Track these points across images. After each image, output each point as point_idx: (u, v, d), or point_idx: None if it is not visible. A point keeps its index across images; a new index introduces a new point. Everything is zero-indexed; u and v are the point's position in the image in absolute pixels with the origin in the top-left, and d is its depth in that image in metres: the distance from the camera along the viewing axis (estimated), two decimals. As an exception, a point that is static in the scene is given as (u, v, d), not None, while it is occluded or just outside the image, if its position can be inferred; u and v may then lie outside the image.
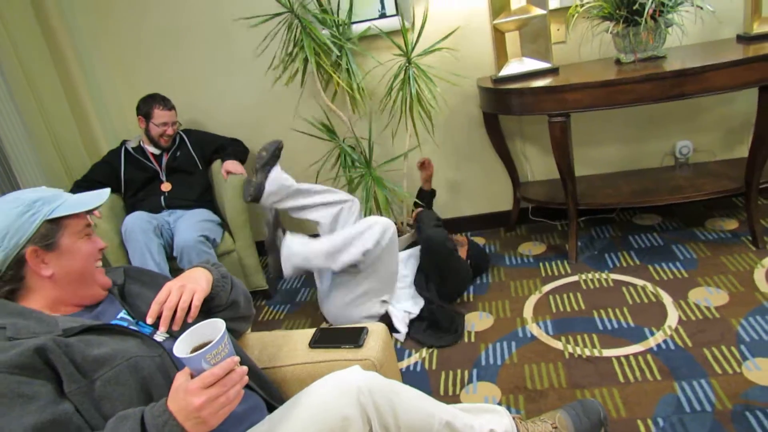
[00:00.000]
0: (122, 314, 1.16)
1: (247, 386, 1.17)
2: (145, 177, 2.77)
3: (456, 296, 2.50)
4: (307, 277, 3.07)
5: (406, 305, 2.38)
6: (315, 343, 1.30)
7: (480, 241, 3.06)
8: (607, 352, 1.97)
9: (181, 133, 2.88)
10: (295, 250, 2.22)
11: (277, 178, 2.31)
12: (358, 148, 2.81)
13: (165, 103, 2.76)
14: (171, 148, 2.82)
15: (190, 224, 2.54)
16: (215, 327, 0.96)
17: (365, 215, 2.56)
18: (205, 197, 2.85)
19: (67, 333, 1.00)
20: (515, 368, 1.99)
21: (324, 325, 1.18)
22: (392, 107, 2.78)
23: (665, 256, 2.51)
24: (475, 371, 2.02)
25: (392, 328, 2.32)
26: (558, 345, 2.07)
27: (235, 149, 2.90)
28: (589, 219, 3.01)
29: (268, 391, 1.22)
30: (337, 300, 2.32)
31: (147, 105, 2.76)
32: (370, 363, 1.21)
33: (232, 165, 2.77)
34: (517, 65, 2.69)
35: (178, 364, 1.06)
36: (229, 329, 1.15)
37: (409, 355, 2.20)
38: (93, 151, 3.02)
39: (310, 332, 1.35)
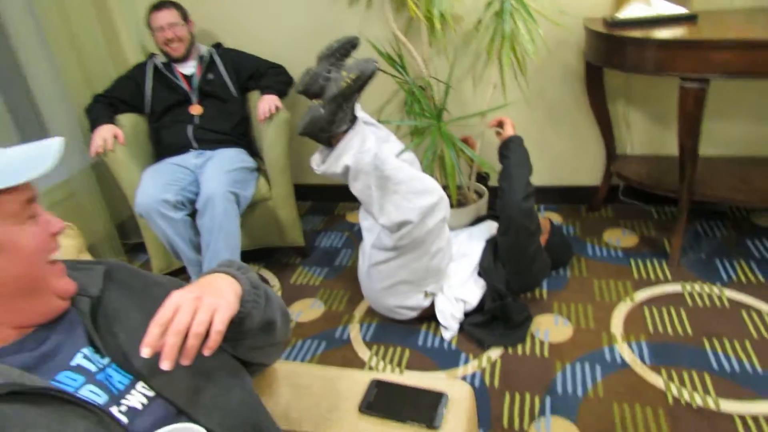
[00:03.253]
0: (80, 358, 0.74)
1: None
2: (173, 98, 2.36)
3: (525, 291, 2.07)
4: (348, 238, 2.67)
5: (461, 292, 1.95)
6: (368, 407, 0.89)
7: (556, 218, 2.59)
8: (727, 406, 1.53)
9: (213, 50, 2.42)
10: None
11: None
12: (428, 91, 2.30)
13: (158, 4, 2.33)
14: (202, 68, 2.37)
15: (219, 172, 2.13)
16: None
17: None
18: (239, 130, 2.43)
19: None
20: (601, 406, 1.58)
21: (380, 377, 0.85)
22: (477, 46, 2.23)
23: (799, 276, 2.00)
24: (548, 400, 1.62)
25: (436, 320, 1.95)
26: (658, 381, 1.63)
27: (276, 79, 2.43)
28: (693, 209, 2.48)
29: None
30: (374, 283, 1.93)
31: (147, 15, 2.35)
32: (450, 464, 0.81)
33: (269, 102, 2.29)
34: (642, 7, 2.10)
35: None
36: (251, 365, 0.86)
37: (466, 361, 1.81)
38: (119, 62, 2.60)
39: (361, 380, 0.95)
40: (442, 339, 1.92)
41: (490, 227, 2.15)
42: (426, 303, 1.94)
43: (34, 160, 0.72)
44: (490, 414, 1.60)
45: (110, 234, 2.60)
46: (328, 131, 1.72)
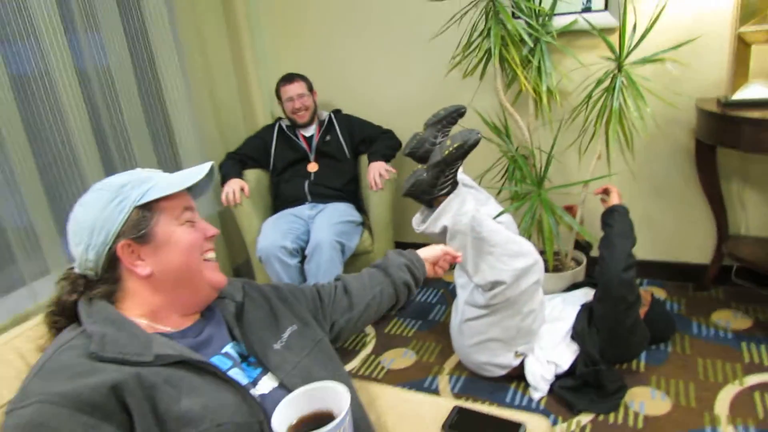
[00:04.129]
0: (228, 348, 0.92)
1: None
2: (293, 156, 2.65)
3: (620, 362, 2.02)
4: (442, 294, 2.74)
5: (552, 354, 1.94)
6: (450, 428, 0.96)
7: (659, 293, 2.51)
8: None
9: (332, 114, 2.71)
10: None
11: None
12: (531, 160, 2.40)
13: (289, 77, 2.65)
14: (321, 131, 2.66)
15: (329, 223, 2.34)
16: (336, 397, 0.68)
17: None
18: (349, 187, 2.66)
19: (160, 361, 0.80)
20: (699, 487, 1.50)
21: (467, 405, 0.92)
22: (585, 120, 2.32)
23: None
24: (640, 473, 1.56)
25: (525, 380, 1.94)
26: (766, 470, 1.52)
27: (385, 144, 2.65)
28: (817, 297, 2.31)
29: None
30: (465, 339, 1.98)
31: (277, 86, 2.68)
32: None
33: (378, 169, 2.51)
34: (759, 88, 2.09)
35: None
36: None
37: (554, 422, 1.79)
38: (251, 125, 2.97)
39: (443, 405, 1.02)
40: (530, 399, 1.91)
41: (586, 293, 2.15)
42: (516, 362, 1.95)
43: (191, 173, 0.93)
44: (576, 478, 1.57)
45: (228, 275, 2.88)
46: (430, 194, 1.82)
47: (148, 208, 0.88)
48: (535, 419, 0.97)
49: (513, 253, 1.80)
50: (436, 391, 2.02)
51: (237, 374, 0.87)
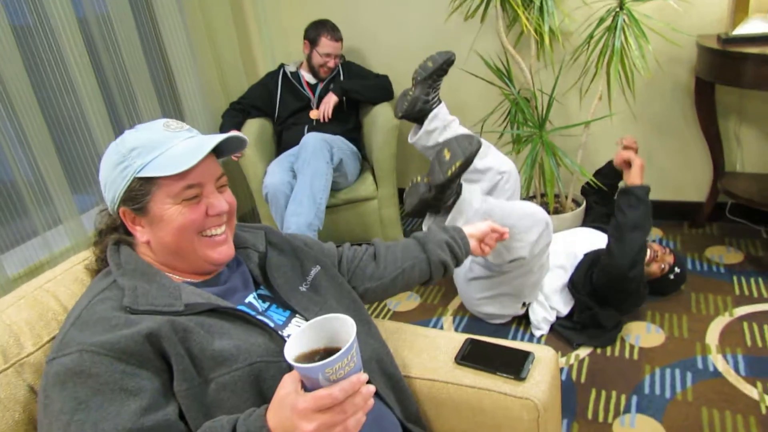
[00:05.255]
0: (251, 298, 0.97)
1: (378, 396, 0.96)
2: (297, 105, 2.65)
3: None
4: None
5: (554, 301, 2.00)
6: (463, 358, 1.04)
7: (657, 233, 2.58)
8: (825, 422, 1.51)
9: (340, 66, 2.69)
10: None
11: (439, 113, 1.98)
12: (532, 102, 2.42)
13: (334, 32, 2.59)
14: (326, 79, 2.65)
15: (321, 134, 2.42)
16: (344, 327, 0.70)
17: (524, 183, 2.20)
18: (351, 135, 2.67)
19: (190, 310, 0.84)
20: (689, 409, 1.61)
21: (479, 337, 0.97)
22: (587, 61, 2.32)
23: None
24: (635, 399, 1.67)
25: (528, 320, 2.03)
26: (752, 392, 1.63)
27: (360, 83, 2.64)
28: (808, 232, 2.39)
29: (404, 407, 1.00)
30: (473, 293, 2.03)
31: (316, 31, 2.59)
32: (533, 405, 0.93)
33: (329, 102, 2.55)
34: (759, 23, 2.09)
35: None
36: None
37: (554, 356, 1.89)
38: (251, 73, 2.94)
39: (458, 339, 1.10)
40: (532, 335, 2.01)
41: (591, 241, 2.08)
42: (521, 312, 2.03)
43: (189, 155, 0.86)
44: (576, 406, 1.68)
45: (234, 222, 2.94)
46: (437, 208, 1.78)
47: (147, 181, 0.86)
48: (542, 349, 1.04)
49: (526, 228, 1.74)
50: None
51: (265, 319, 0.92)
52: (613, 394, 1.70)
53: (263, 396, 0.82)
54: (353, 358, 0.68)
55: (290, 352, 0.68)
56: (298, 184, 2.29)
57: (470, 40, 2.66)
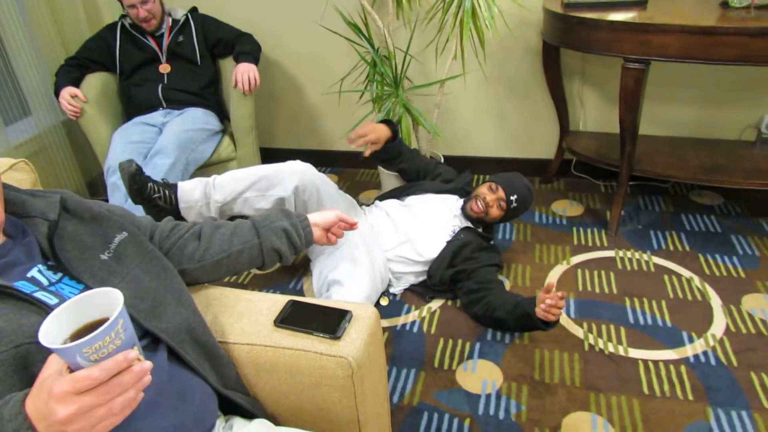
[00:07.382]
0: (34, 272, 0.86)
1: (192, 369, 0.92)
2: (142, 57, 2.43)
3: None
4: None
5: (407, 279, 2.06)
6: (282, 321, 1.02)
7: (510, 189, 2.72)
8: (635, 353, 1.69)
9: (189, 14, 2.50)
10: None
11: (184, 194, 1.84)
12: (391, 61, 2.41)
13: None
14: (173, 31, 2.45)
15: (178, 130, 2.25)
16: (111, 301, 0.65)
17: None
18: (208, 91, 2.51)
19: None
20: (525, 351, 1.73)
21: (301, 298, 0.95)
22: (442, 20, 2.34)
23: (721, 247, 2.16)
24: (477, 345, 1.77)
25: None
26: (578, 332, 1.79)
27: (252, 47, 2.49)
28: (638, 185, 2.63)
29: (222, 375, 0.97)
30: (314, 276, 1.98)
31: None
32: (346, 363, 0.94)
33: (247, 72, 2.36)
34: (597, -10, 2.22)
35: None
36: None
37: (408, 311, 1.95)
38: (96, 24, 2.67)
39: (281, 301, 1.08)
40: (386, 292, 2.06)
41: (453, 210, 2.09)
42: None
43: None
44: (425, 356, 1.75)
45: (80, 190, 2.69)
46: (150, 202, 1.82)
47: None
48: (363, 308, 1.05)
49: (265, 187, 1.82)
50: (300, 292, 2.10)
51: (45, 296, 0.83)
52: (459, 342, 1.79)
53: (34, 383, 0.75)
54: (119, 334, 0.63)
55: (48, 332, 0.62)
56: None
57: (329, -4, 2.59)
